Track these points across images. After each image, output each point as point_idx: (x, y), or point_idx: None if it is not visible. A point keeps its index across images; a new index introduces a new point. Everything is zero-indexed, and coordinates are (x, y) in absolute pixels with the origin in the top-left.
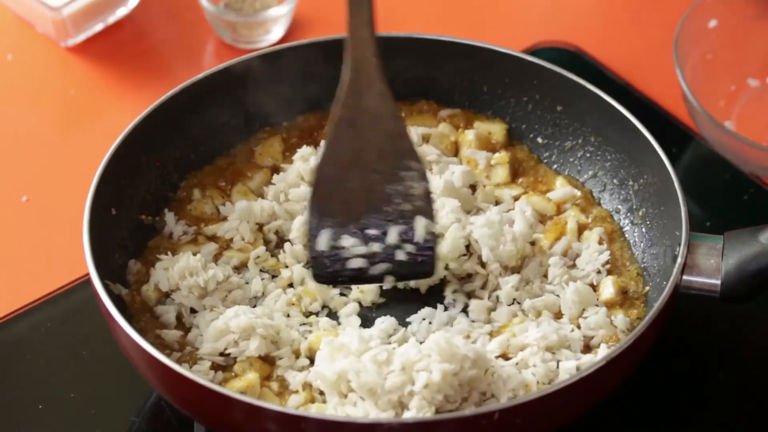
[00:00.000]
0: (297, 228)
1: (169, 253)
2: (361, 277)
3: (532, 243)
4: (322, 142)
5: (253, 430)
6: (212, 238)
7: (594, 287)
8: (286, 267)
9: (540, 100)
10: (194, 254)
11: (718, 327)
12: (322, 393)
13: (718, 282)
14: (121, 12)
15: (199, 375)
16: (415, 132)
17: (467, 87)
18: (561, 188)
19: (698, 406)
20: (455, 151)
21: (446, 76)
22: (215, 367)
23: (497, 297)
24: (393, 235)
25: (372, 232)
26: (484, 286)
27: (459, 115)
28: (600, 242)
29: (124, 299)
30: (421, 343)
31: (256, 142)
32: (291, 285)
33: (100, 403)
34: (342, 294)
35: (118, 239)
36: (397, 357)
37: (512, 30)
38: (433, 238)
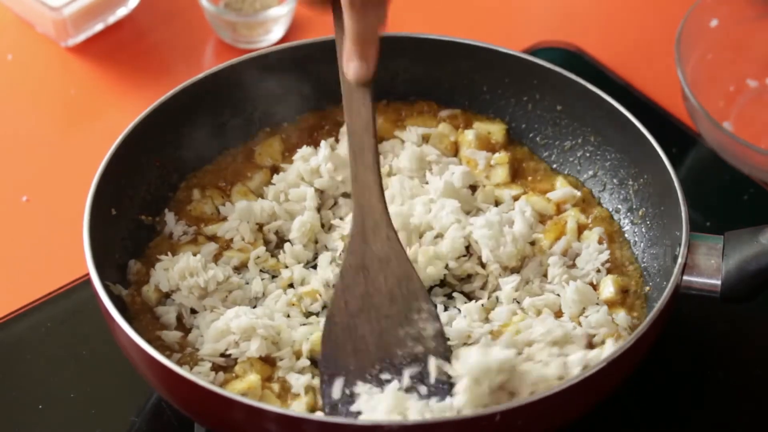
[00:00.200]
0: (297, 228)
1: (169, 253)
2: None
3: (532, 243)
4: (323, 143)
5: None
6: (212, 238)
7: (594, 287)
8: (286, 267)
9: (540, 99)
10: (194, 254)
11: (718, 327)
12: None
13: (719, 282)
14: (121, 12)
15: (200, 376)
16: (414, 132)
17: (467, 87)
18: (561, 188)
19: (698, 406)
20: (455, 151)
21: (446, 76)
22: (216, 368)
23: (497, 297)
24: (406, 378)
25: (386, 377)
26: (483, 287)
27: (459, 115)
28: (600, 242)
29: (125, 300)
30: None
31: (256, 142)
32: (291, 285)
33: (100, 403)
34: None
35: (118, 239)
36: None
37: (512, 30)
38: (447, 379)
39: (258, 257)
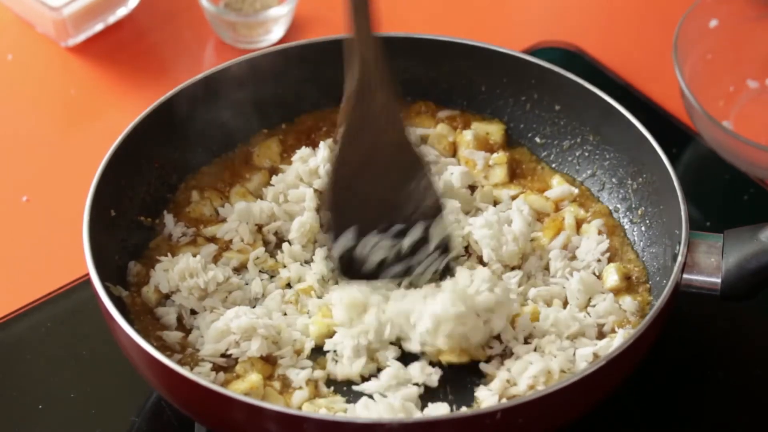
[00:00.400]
0: (296, 229)
1: (168, 254)
2: (385, 272)
3: (531, 240)
4: (322, 144)
5: (254, 431)
6: (211, 239)
7: (597, 277)
8: (285, 267)
9: (538, 99)
10: (194, 255)
11: (718, 326)
12: (328, 386)
13: (719, 280)
14: (121, 12)
15: (201, 377)
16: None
17: (465, 87)
18: (558, 186)
19: (698, 406)
20: (453, 151)
21: (444, 76)
22: (216, 368)
23: None
24: (405, 239)
25: (393, 229)
26: None
27: (457, 115)
28: (599, 233)
29: (125, 301)
30: None
31: (254, 143)
32: (289, 285)
33: (100, 403)
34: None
35: (117, 240)
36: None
37: (512, 30)
38: (448, 239)
39: (257, 258)
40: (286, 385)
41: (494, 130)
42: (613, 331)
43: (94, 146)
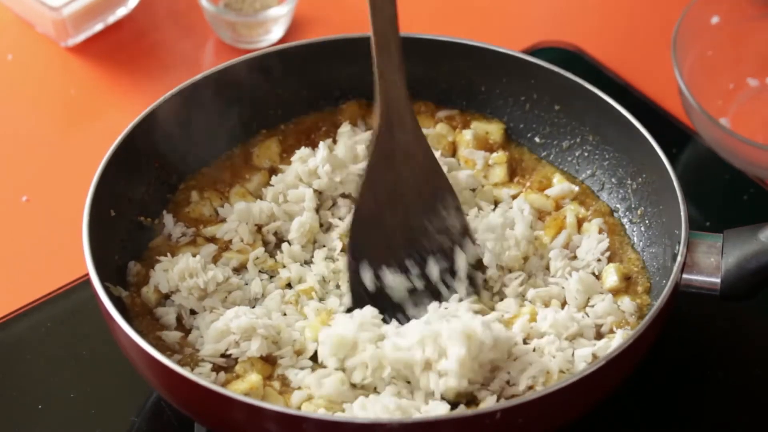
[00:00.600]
0: (296, 229)
1: (168, 254)
2: (402, 312)
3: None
4: (321, 144)
5: (253, 431)
6: (211, 239)
7: (597, 277)
8: (284, 267)
9: (538, 99)
10: (194, 256)
11: (718, 326)
12: None
13: (718, 280)
14: (121, 12)
15: (201, 377)
16: None
17: (465, 87)
18: (558, 184)
19: (698, 406)
20: (453, 151)
21: (444, 76)
22: (216, 368)
23: (501, 293)
24: (433, 267)
25: (411, 264)
26: (486, 287)
27: (456, 115)
28: (600, 232)
29: (125, 301)
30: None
31: (254, 143)
32: (289, 285)
33: (100, 403)
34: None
35: (117, 240)
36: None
37: (512, 30)
38: (474, 271)
39: (257, 258)
40: (286, 385)
41: (494, 130)
42: (611, 331)
43: (94, 146)
